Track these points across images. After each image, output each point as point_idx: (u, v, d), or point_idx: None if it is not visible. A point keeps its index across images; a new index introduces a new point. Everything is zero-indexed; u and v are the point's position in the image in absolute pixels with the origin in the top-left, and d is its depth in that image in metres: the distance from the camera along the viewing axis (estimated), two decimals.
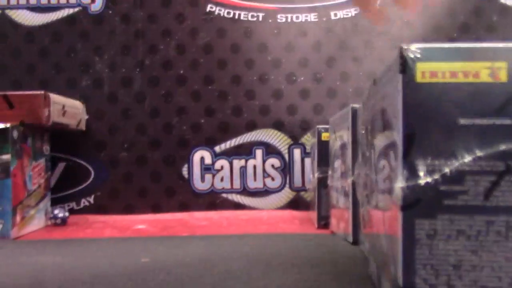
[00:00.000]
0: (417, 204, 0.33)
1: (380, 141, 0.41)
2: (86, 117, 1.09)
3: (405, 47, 0.33)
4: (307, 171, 1.09)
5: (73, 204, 1.10)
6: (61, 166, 1.09)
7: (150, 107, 1.11)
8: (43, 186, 0.98)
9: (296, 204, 1.10)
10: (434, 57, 0.33)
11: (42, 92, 0.89)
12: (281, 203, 1.10)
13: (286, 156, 1.10)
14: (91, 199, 1.10)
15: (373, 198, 0.45)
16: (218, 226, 0.94)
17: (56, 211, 0.98)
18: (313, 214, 0.93)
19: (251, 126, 1.10)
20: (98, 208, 1.09)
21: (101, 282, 0.51)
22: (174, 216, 1.07)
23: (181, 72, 1.11)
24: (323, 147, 0.85)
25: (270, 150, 1.10)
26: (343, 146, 0.73)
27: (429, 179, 0.33)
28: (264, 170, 1.10)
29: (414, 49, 0.33)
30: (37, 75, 1.11)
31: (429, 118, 0.33)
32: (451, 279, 0.33)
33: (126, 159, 1.10)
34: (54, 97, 0.92)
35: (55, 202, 1.07)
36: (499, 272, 0.32)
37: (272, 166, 1.10)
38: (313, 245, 0.70)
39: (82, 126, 1.08)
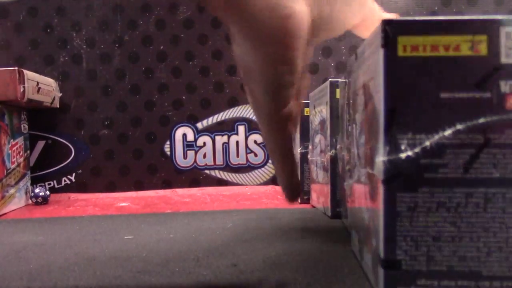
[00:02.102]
0: (398, 178, 0.33)
1: (362, 115, 0.41)
2: (60, 94, 1.07)
3: (386, 20, 0.33)
4: None
5: (53, 183, 1.09)
6: (40, 144, 1.08)
7: (130, 84, 1.09)
8: (22, 165, 0.96)
9: None
10: (415, 31, 0.33)
11: (16, 68, 0.87)
12: (264, 179, 1.10)
13: None
14: (72, 177, 1.09)
15: (355, 172, 0.45)
16: (201, 202, 0.94)
17: (36, 190, 0.97)
18: None
19: (233, 102, 1.10)
20: (79, 186, 1.09)
21: (84, 260, 0.51)
22: (157, 193, 1.07)
23: (161, 48, 1.09)
24: (305, 122, 0.85)
25: (252, 126, 1.10)
26: (322, 121, 0.73)
27: (410, 153, 0.33)
28: (246, 146, 1.10)
29: (395, 22, 0.33)
30: (13, 52, 1.08)
31: (410, 92, 0.33)
32: (430, 250, 0.33)
33: (107, 137, 1.09)
34: (28, 73, 0.91)
35: (35, 181, 1.06)
36: (477, 242, 0.33)
37: (255, 142, 1.10)
38: (295, 220, 0.71)
39: (56, 104, 1.06)
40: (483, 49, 0.32)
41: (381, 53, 0.33)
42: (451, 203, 0.33)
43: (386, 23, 0.33)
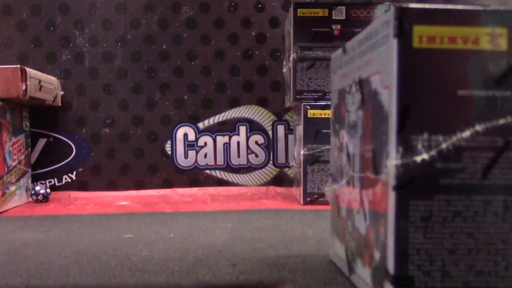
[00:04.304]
0: (411, 184, 0.30)
1: (357, 116, 0.38)
2: (61, 93, 1.07)
3: (401, 7, 0.30)
4: (291, 148, 1.09)
5: (54, 181, 1.09)
6: (41, 142, 1.08)
7: (132, 83, 1.09)
8: (23, 162, 0.96)
9: (279, 180, 1.10)
10: (433, 20, 0.30)
11: (18, 66, 0.88)
12: (265, 180, 1.10)
13: (270, 133, 1.10)
14: (73, 176, 1.09)
15: (341, 177, 0.43)
16: (201, 202, 0.94)
17: (37, 188, 0.97)
18: (297, 191, 0.94)
19: (235, 103, 1.10)
20: (80, 185, 1.09)
21: (84, 258, 0.51)
22: (157, 193, 1.07)
23: (164, 47, 1.09)
24: (309, 124, 0.85)
25: (254, 127, 1.10)
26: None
27: (425, 156, 0.30)
28: (247, 147, 1.10)
29: (411, 10, 0.30)
30: (15, 50, 1.08)
31: (426, 88, 0.30)
32: (446, 265, 0.30)
33: (108, 135, 1.09)
34: (30, 71, 0.91)
35: (36, 179, 1.06)
36: (496, 255, 0.30)
37: (256, 142, 1.10)
38: (295, 221, 0.71)
39: (58, 102, 1.06)
40: (503, 43, 0.30)
41: (393, 43, 0.30)
42: (468, 212, 0.30)
43: (401, 10, 0.29)
